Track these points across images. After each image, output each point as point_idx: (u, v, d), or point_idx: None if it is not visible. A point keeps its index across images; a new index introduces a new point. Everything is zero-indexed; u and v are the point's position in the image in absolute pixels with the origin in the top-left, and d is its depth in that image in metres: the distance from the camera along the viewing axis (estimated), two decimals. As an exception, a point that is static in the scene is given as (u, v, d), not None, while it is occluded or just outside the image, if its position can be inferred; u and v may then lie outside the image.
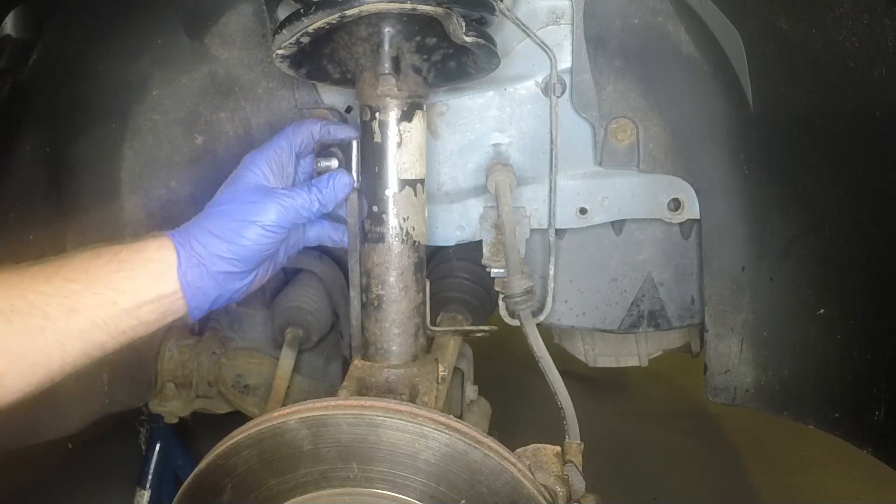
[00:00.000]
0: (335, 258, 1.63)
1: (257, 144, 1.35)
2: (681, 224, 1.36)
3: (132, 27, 1.29)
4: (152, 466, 2.08)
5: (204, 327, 1.84)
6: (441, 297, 1.56)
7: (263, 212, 1.06)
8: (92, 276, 0.98)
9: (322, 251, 1.63)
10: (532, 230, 1.32)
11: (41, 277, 0.96)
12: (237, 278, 1.08)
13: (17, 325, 0.92)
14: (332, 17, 0.99)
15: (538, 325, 1.27)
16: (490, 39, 1.08)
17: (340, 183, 1.12)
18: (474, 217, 1.33)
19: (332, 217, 1.22)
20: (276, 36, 1.06)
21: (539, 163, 1.30)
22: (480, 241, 1.32)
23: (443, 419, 0.91)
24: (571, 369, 1.82)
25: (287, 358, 1.67)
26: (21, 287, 0.94)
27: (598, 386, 3.12)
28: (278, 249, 1.13)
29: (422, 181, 1.12)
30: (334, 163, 1.14)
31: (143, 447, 2.13)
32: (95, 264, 0.99)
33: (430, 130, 1.30)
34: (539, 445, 1.02)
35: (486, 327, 1.43)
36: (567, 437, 1.12)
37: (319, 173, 1.15)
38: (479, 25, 1.08)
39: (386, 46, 1.07)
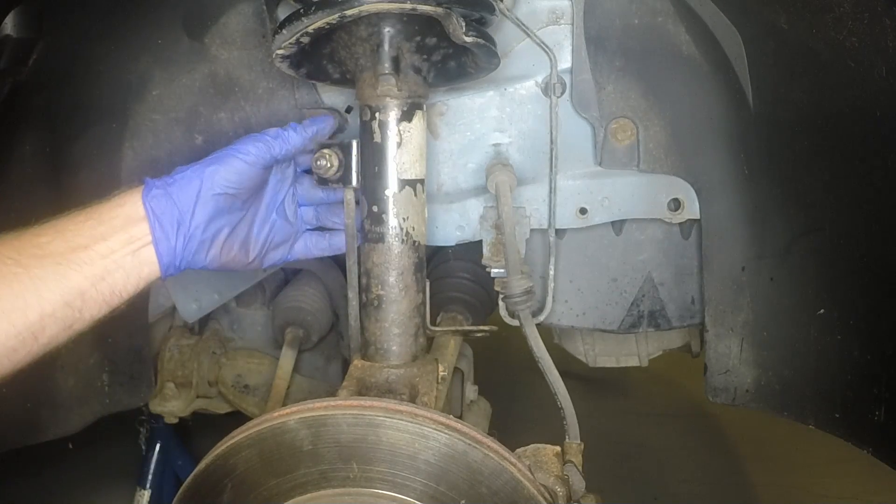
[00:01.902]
0: (335, 258, 1.63)
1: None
2: (681, 224, 1.36)
3: (132, 27, 1.29)
4: (152, 466, 2.08)
5: (204, 327, 1.84)
6: (441, 297, 1.56)
7: (239, 144, 1.08)
8: (61, 228, 0.97)
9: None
10: (532, 230, 1.32)
11: (9, 237, 0.95)
12: (203, 212, 1.04)
13: None
14: (332, 17, 0.99)
15: (538, 325, 1.27)
16: (490, 39, 1.08)
17: (322, 121, 1.14)
18: (474, 217, 1.33)
19: (316, 226, 1.22)
20: (276, 36, 1.06)
21: (539, 163, 1.30)
22: (480, 241, 1.32)
23: (443, 419, 0.91)
24: (571, 369, 1.82)
25: (287, 358, 1.67)
26: None
27: (598, 386, 3.13)
28: (251, 209, 1.12)
29: (422, 181, 1.12)
30: (334, 160, 1.14)
31: (143, 447, 2.13)
32: (63, 220, 0.99)
33: (430, 130, 1.30)
34: (539, 445, 1.02)
35: (486, 327, 1.43)
36: (567, 437, 1.12)
37: (318, 172, 1.15)
38: (479, 25, 1.08)
39: (386, 46, 1.07)
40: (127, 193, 1.02)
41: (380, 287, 1.10)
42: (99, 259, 0.97)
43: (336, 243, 1.22)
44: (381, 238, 1.10)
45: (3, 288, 0.90)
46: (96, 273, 0.96)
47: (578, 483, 1.01)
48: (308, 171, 1.20)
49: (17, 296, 0.91)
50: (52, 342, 0.95)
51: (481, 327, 1.44)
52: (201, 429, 2.10)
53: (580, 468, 1.03)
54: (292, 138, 1.11)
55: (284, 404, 1.50)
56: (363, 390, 1.09)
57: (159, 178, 1.04)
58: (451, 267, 1.62)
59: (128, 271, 0.99)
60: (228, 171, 1.06)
